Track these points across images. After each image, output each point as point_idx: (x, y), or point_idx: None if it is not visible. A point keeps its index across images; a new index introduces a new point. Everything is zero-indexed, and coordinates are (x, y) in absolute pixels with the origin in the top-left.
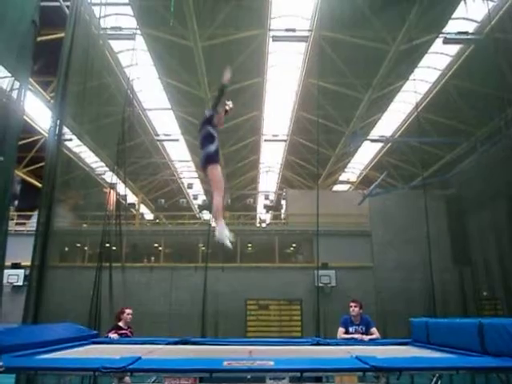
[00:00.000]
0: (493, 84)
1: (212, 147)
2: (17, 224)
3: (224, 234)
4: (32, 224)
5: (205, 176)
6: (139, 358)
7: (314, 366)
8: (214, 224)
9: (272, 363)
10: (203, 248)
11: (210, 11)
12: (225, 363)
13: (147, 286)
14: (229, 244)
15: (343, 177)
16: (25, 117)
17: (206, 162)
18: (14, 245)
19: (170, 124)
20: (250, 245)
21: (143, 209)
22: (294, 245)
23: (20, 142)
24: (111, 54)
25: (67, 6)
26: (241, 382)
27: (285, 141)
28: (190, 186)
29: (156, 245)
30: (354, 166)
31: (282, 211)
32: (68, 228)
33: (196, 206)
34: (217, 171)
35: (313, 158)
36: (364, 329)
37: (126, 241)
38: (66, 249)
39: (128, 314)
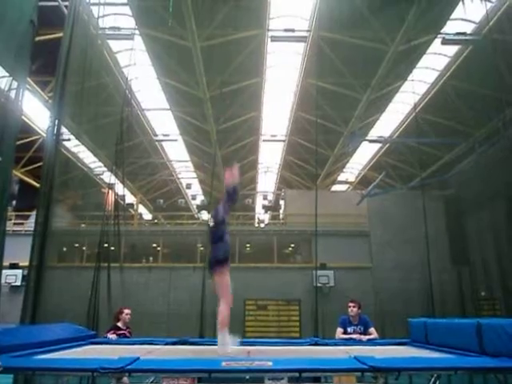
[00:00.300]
0: (491, 85)
1: (221, 250)
2: (15, 224)
3: (226, 347)
4: (30, 224)
5: (212, 279)
6: (137, 358)
7: (312, 366)
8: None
9: (270, 363)
10: (201, 248)
11: (209, 11)
12: (223, 363)
13: (146, 286)
14: (229, 353)
15: (342, 177)
16: (23, 117)
17: (214, 264)
18: (12, 245)
19: (169, 124)
20: (248, 245)
21: (142, 209)
22: (292, 245)
23: (18, 142)
24: (110, 54)
25: (65, 6)
26: (239, 382)
27: (283, 141)
28: (188, 186)
29: (154, 245)
30: (352, 167)
31: (281, 211)
32: (66, 228)
33: (194, 206)
34: (225, 276)
35: (311, 158)
36: (362, 329)
37: (125, 241)
38: (65, 249)
39: (126, 315)
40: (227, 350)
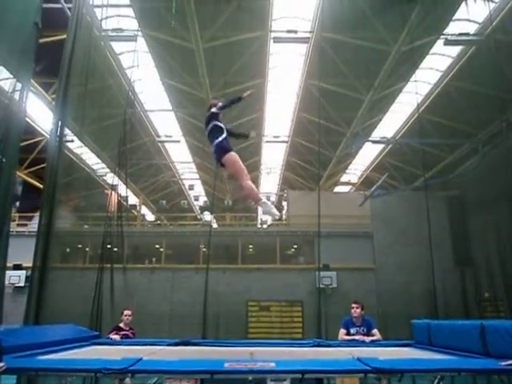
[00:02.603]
0: (494, 85)
1: (220, 137)
2: (18, 225)
3: (269, 208)
4: (33, 225)
5: (224, 169)
6: (140, 359)
7: (315, 367)
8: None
9: (273, 364)
10: (204, 249)
11: (212, 13)
12: (226, 364)
13: (148, 287)
14: (277, 214)
15: (344, 178)
16: (26, 118)
17: (219, 153)
18: (16, 246)
19: (172, 125)
20: (251, 246)
21: (144, 210)
22: (295, 246)
23: (22, 144)
24: (113, 56)
25: (69, 8)
26: (242, 383)
27: (286, 142)
28: (191, 188)
29: (157, 246)
30: (355, 168)
31: (284, 212)
32: (69, 229)
33: (197, 208)
34: (234, 158)
35: (314, 159)
36: (365, 330)
37: (128, 242)
38: (68, 250)
39: (125, 316)
40: (270, 209)
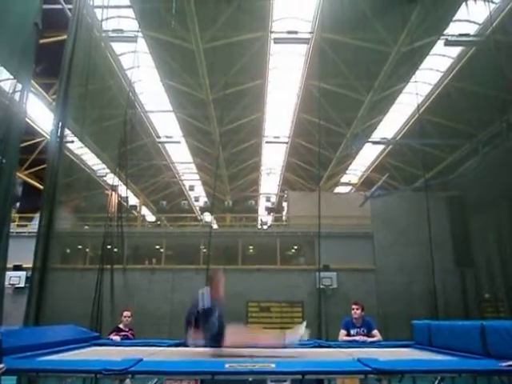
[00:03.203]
0: (494, 86)
1: (214, 331)
2: (18, 226)
3: (296, 338)
4: (34, 226)
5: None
6: (141, 359)
7: (315, 368)
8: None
9: (273, 366)
10: (205, 250)
11: (212, 13)
12: (226, 365)
13: (148, 288)
14: (305, 334)
15: (345, 179)
16: (27, 119)
17: (221, 342)
18: (16, 247)
19: (172, 126)
20: (251, 247)
21: (145, 211)
22: (295, 247)
23: (22, 144)
24: (113, 57)
25: (69, 9)
26: None
27: (286, 143)
28: (191, 188)
29: (157, 247)
30: (355, 168)
31: (284, 213)
32: (70, 230)
33: (197, 208)
34: (234, 338)
35: (314, 159)
36: (366, 331)
37: (128, 243)
38: (68, 251)
39: (125, 317)
40: (295, 340)
